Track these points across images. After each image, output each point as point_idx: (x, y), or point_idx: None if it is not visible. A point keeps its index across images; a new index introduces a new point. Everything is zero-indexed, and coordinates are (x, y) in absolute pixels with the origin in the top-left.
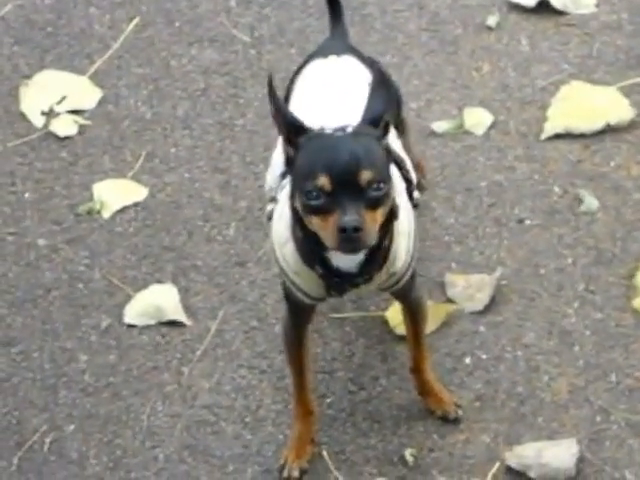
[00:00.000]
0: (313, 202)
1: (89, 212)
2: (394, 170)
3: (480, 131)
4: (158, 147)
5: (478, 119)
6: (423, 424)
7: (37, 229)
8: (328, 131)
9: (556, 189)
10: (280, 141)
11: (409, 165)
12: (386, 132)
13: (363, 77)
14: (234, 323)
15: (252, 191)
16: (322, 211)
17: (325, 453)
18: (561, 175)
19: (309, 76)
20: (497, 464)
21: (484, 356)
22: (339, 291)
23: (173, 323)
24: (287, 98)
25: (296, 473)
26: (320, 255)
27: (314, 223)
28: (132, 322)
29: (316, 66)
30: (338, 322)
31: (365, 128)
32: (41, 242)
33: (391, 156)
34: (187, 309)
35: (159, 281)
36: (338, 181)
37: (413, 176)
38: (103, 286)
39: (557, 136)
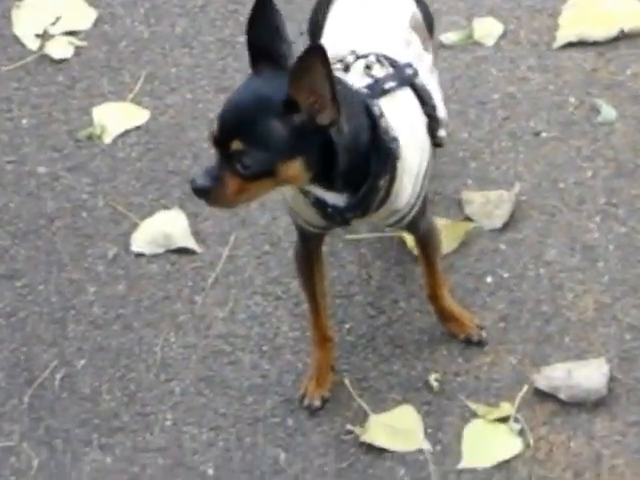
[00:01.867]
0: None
1: (89, 137)
2: (413, 104)
3: (490, 42)
4: (158, 68)
5: (488, 29)
6: (447, 348)
7: (36, 156)
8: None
9: (572, 99)
10: None
11: (438, 100)
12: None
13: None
14: (246, 248)
15: None
16: None
17: (347, 381)
18: (576, 85)
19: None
20: (525, 387)
21: (506, 275)
22: (337, 222)
23: (183, 251)
24: (317, 23)
25: (317, 402)
26: None
27: None
28: (140, 251)
29: None
30: (354, 244)
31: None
32: (41, 170)
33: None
34: (196, 235)
35: (166, 207)
36: (218, 136)
37: (441, 113)
38: (108, 214)
39: (570, 45)
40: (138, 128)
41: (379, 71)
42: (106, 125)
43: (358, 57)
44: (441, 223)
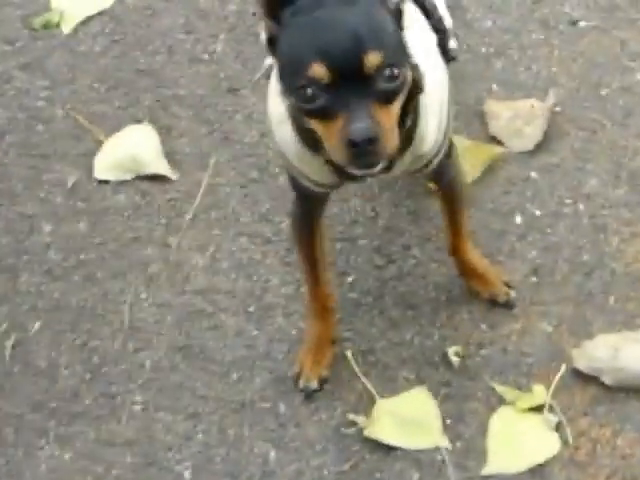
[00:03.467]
0: (308, 105)
1: (46, 26)
2: (421, 21)
3: None
4: None
5: None
6: (468, 310)
7: None
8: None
9: None
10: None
11: (443, 9)
12: None
13: None
14: (229, 175)
15: None
16: (322, 115)
17: (349, 354)
18: None
19: None
20: (563, 367)
21: (538, 212)
22: (354, 179)
23: (154, 177)
24: None
25: (315, 384)
26: None
27: (316, 129)
28: (104, 177)
29: None
30: None
31: None
32: None
33: (401, 15)
34: (170, 156)
35: (135, 118)
36: (338, 69)
37: (448, 22)
38: (67, 127)
39: None
40: (102, 13)
41: None
42: (65, 10)
43: None
44: (460, 144)
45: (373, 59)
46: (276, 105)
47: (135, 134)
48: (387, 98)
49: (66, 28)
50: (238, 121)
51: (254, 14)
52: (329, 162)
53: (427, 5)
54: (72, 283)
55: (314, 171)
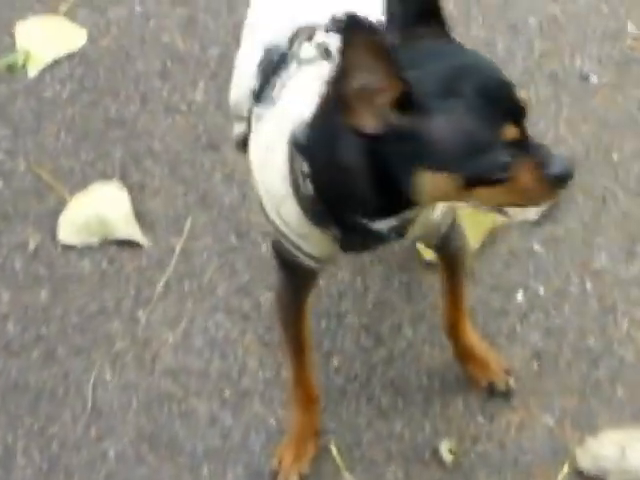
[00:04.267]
0: (497, 173)
1: (10, 68)
2: None
3: None
4: None
5: None
6: (463, 399)
7: None
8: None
9: (630, 27)
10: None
11: None
12: None
13: None
14: (205, 241)
15: (225, 32)
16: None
17: (333, 447)
18: (637, 5)
19: None
20: (565, 467)
21: (541, 290)
22: (360, 250)
23: (124, 242)
24: None
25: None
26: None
27: (481, 196)
28: (69, 241)
29: None
30: None
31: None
32: None
33: None
34: (142, 218)
35: (103, 175)
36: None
37: None
38: (30, 183)
39: None
40: (71, 56)
41: None
42: (32, 51)
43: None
44: (460, 212)
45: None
46: (272, 183)
47: (103, 193)
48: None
49: (32, 71)
50: (217, 180)
51: None
52: (337, 238)
53: None
54: (31, 360)
55: (314, 244)
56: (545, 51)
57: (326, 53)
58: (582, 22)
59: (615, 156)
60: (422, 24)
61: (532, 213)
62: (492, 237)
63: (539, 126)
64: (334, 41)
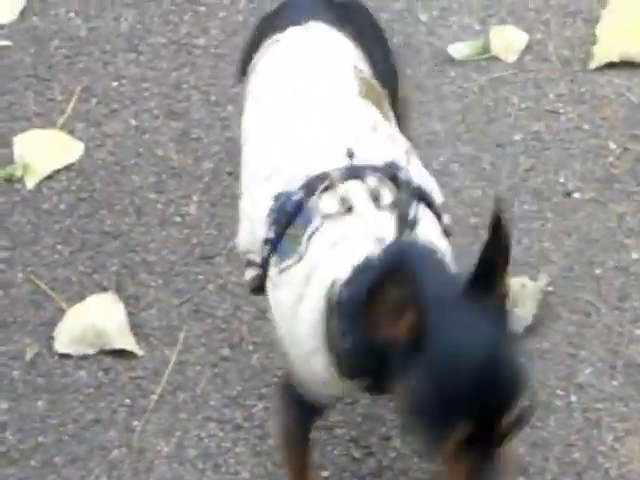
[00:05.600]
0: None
1: (9, 179)
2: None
3: (512, 57)
4: (96, 79)
5: (508, 40)
6: None
7: None
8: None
9: (612, 145)
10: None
11: (434, 186)
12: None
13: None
14: (199, 351)
15: (218, 146)
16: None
17: None
18: (618, 124)
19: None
20: None
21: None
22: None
23: (119, 352)
24: None
25: None
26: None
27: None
28: (65, 350)
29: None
30: None
31: (484, 298)
32: None
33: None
34: (137, 329)
35: (100, 286)
36: (483, 423)
37: (439, 196)
38: (28, 293)
39: (610, 65)
40: (69, 168)
41: (387, 195)
42: (30, 163)
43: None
44: None
45: (516, 409)
46: (299, 334)
47: (99, 304)
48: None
49: (30, 183)
50: (210, 292)
51: (230, 174)
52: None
53: (423, 196)
54: (29, 469)
55: (337, 389)
56: (529, 168)
57: (348, 208)
58: (563, 138)
59: (597, 271)
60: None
61: (517, 328)
62: None
63: (524, 242)
64: (355, 193)
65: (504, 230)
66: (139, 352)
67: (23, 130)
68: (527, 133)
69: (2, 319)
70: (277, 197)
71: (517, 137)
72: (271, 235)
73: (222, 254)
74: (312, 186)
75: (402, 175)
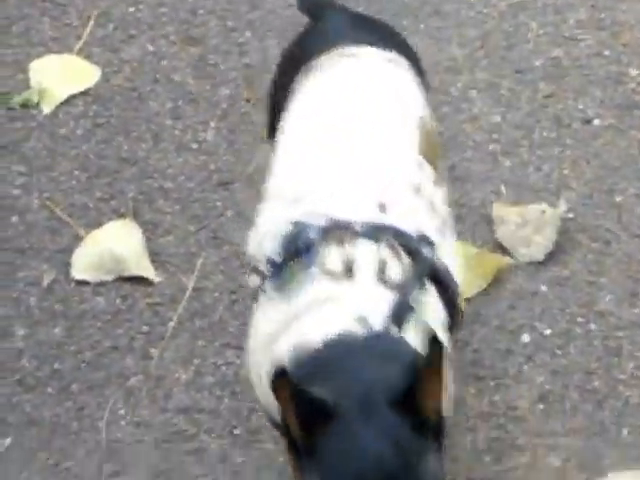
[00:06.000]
0: None
1: (25, 105)
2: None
3: None
4: (113, 4)
5: None
6: (471, 439)
7: None
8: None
9: (632, 72)
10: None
11: (454, 270)
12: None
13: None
14: (217, 278)
15: (235, 72)
16: None
17: None
18: (638, 50)
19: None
20: None
21: (548, 331)
22: None
23: (137, 278)
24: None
25: None
26: None
27: None
28: (83, 277)
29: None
30: None
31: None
32: None
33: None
34: (154, 256)
35: (117, 212)
36: None
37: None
38: (44, 220)
39: None
40: (85, 93)
41: (396, 268)
42: (46, 88)
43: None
44: (466, 253)
45: None
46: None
47: (117, 230)
48: None
49: (46, 108)
50: (228, 219)
51: (248, 100)
52: None
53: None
54: (46, 396)
55: None
56: (549, 94)
57: (349, 273)
58: (584, 65)
59: (618, 198)
60: None
61: (538, 254)
62: (498, 278)
63: (543, 169)
64: (363, 259)
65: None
66: (156, 279)
67: (39, 55)
68: (546, 59)
69: (19, 245)
70: (295, 225)
71: (536, 63)
72: (277, 258)
73: (239, 180)
74: (329, 231)
75: (426, 252)
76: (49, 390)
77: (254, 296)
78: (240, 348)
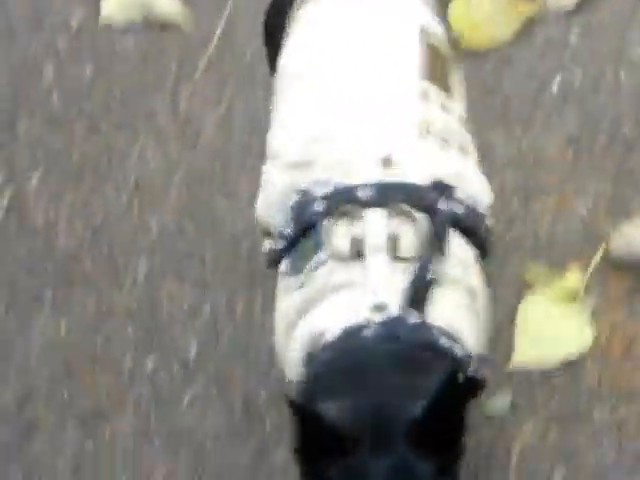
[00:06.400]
0: None
1: None
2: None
3: None
4: None
5: None
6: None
7: None
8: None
9: None
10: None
11: (480, 189)
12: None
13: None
14: (246, 22)
15: None
16: None
17: None
18: None
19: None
20: (599, 252)
21: (577, 79)
22: None
23: (166, 20)
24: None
25: None
26: None
27: None
28: (112, 18)
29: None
30: None
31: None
32: None
33: None
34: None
35: None
36: None
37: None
38: None
39: None
40: None
41: (410, 238)
42: None
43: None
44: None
45: None
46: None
47: None
48: None
49: None
50: None
51: None
52: None
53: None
54: (74, 133)
55: None
56: None
57: (359, 254)
58: None
59: None
60: None
61: (569, 2)
62: (528, 26)
63: None
64: (371, 236)
65: None
66: (186, 22)
67: None
68: None
69: None
70: (301, 194)
71: None
72: (289, 232)
73: None
74: (333, 203)
75: (442, 205)
76: (77, 128)
77: (269, 262)
78: (268, 89)
